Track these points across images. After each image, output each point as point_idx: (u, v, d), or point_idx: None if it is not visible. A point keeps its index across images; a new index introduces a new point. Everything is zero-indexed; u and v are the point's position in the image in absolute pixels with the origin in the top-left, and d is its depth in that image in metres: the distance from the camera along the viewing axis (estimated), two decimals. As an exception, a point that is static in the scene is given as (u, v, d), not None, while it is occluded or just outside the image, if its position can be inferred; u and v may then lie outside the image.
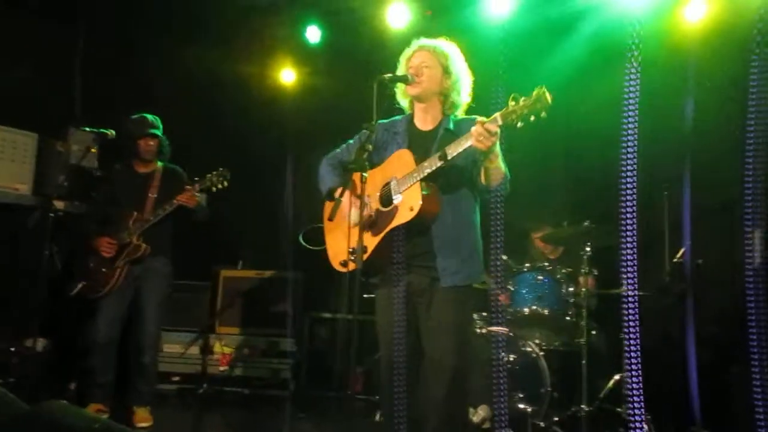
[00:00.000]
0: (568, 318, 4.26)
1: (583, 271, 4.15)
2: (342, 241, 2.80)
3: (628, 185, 2.23)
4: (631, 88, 2.26)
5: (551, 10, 4.80)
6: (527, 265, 4.45)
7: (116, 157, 4.53)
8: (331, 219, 2.85)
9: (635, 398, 2.27)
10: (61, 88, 5.32)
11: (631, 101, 2.26)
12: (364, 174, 2.66)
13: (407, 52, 3.01)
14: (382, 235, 2.84)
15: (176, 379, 5.31)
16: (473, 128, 2.57)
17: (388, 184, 2.88)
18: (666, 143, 4.42)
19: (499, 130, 2.54)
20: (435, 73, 2.93)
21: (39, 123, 4.88)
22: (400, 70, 2.99)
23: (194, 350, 5.33)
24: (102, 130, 4.40)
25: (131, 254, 4.20)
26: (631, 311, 2.25)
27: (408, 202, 2.77)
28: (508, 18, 4.92)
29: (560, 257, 4.80)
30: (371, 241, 2.85)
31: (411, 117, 3.07)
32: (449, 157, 2.69)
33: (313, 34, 5.66)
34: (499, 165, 2.71)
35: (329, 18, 5.60)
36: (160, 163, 4.45)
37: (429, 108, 3.00)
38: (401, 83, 2.96)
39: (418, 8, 5.23)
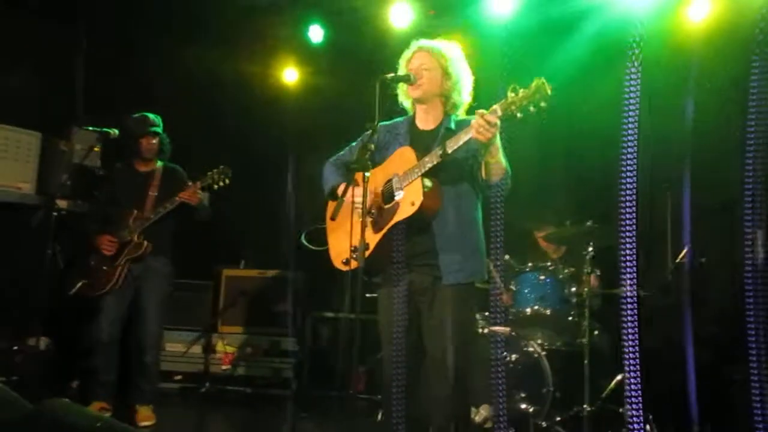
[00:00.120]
0: (570, 318, 4.25)
1: (585, 270, 4.14)
2: (344, 241, 2.80)
3: (628, 185, 2.24)
4: (632, 88, 2.26)
5: (554, 9, 4.78)
6: (529, 264, 4.44)
7: (118, 156, 4.55)
8: (333, 218, 2.85)
9: (633, 398, 2.27)
10: (63, 87, 5.32)
11: (631, 101, 2.26)
12: (366, 173, 2.66)
13: (406, 54, 3.01)
14: (384, 231, 2.84)
15: (179, 377, 5.33)
16: (473, 120, 2.58)
17: (390, 180, 2.89)
18: (666, 143, 4.42)
19: (498, 122, 2.55)
20: (435, 74, 2.93)
21: (42, 122, 4.90)
22: (400, 72, 2.99)
23: (197, 349, 5.35)
24: (105, 129, 4.41)
25: (132, 252, 4.21)
26: (630, 311, 2.26)
27: (409, 197, 2.78)
28: (510, 17, 4.92)
29: (563, 257, 4.79)
30: (373, 238, 2.85)
31: (413, 118, 3.08)
32: (449, 150, 2.69)
33: (316, 33, 5.66)
34: (499, 159, 2.71)
35: (332, 17, 5.60)
36: (160, 163, 4.46)
37: (430, 109, 3.01)
38: (403, 83, 2.96)
39: (421, 8, 5.22)
